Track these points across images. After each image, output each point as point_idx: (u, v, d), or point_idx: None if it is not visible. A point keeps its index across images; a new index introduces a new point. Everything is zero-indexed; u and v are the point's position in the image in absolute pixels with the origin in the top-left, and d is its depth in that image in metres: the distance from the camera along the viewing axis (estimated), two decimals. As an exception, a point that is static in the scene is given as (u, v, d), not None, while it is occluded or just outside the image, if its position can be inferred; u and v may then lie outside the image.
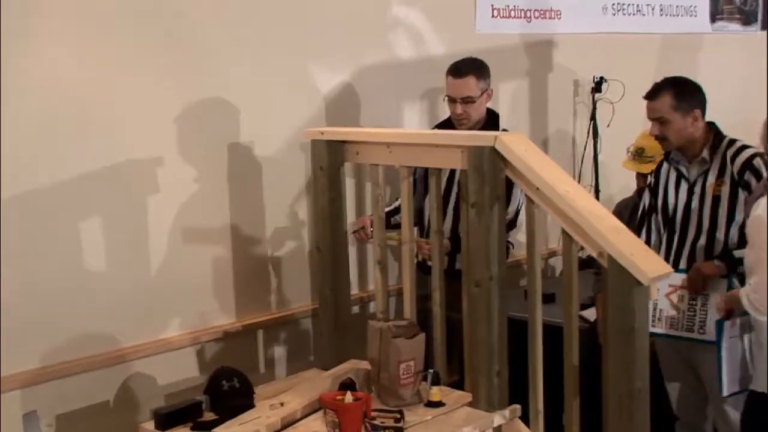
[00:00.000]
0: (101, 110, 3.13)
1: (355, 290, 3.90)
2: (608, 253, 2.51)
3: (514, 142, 2.72)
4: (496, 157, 2.72)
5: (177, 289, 3.37)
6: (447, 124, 3.69)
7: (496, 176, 2.73)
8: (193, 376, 3.43)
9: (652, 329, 3.28)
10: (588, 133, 4.91)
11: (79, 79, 3.07)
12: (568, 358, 2.73)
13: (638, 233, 3.45)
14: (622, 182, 4.93)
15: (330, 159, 3.17)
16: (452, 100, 3.57)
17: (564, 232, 2.67)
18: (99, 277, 3.17)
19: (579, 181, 4.79)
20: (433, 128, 3.83)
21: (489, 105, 3.67)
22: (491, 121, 3.66)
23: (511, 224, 3.60)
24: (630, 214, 3.81)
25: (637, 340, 2.51)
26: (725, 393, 3.05)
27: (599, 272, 3.42)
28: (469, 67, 3.57)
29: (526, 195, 2.75)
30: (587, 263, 3.66)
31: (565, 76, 4.92)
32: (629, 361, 2.51)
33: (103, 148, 3.14)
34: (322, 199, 3.21)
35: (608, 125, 4.85)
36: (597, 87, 4.84)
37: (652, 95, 3.33)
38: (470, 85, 3.54)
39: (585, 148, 4.93)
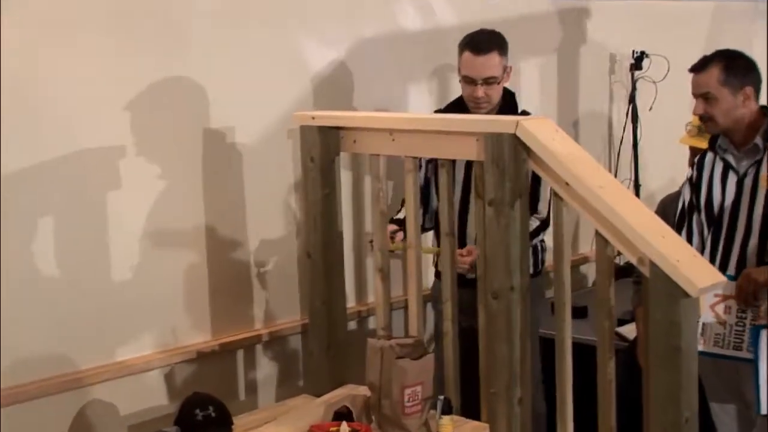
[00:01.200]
0: (50, 95, 3.11)
1: (351, 303, 3.90)
2: (650, 259, 2.50)
3: (539, 128, 2.71)
4: (517, 146, 2.71)
5: (143, 302, 3.37)
6: (457, 107, 3.67)
7: (518, 168, 2.72)
8: (161, 403, 3.43)
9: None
10: (626, 117, 4.91)
11: (25, 57, 3.06)
12: (602, 383, 2.72)
13: (680, 232, 3.45)
14: (666, 175, 4.93)
15: (322, 148, 3.16)
16: (471, 81, 3.54)
17: (598, 234, 2.66)
18: (51, 287, 3.16)
19: (616, 175, 4.78)
20: (438, 111, 3.81)
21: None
22: (508, 102, 3.65)
23: (545, 225, 3.58)
24: (678, 215, 3.80)
25: (683, 361, 2.49)
26: (763, 411, 3.05)
27: (639, 281, 3.41)
28: (492, 42, 3.54)
29: (552, 191, 2.74)
30: (625, 271, 3.65)
31: (599, 51, 4.92)
32: (675, 386, 2.50)
33: (54, 138, 3.13)
34: (313, 195, 3.21)
35: (650, 108, 4.85)
36: (637, 63, 4.84)
37: (698, 67, 3.33)
38: (494, 63, 3.52)
39: (623, 136, 4.93)
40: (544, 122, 2.78)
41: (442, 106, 3.85)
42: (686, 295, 2.46)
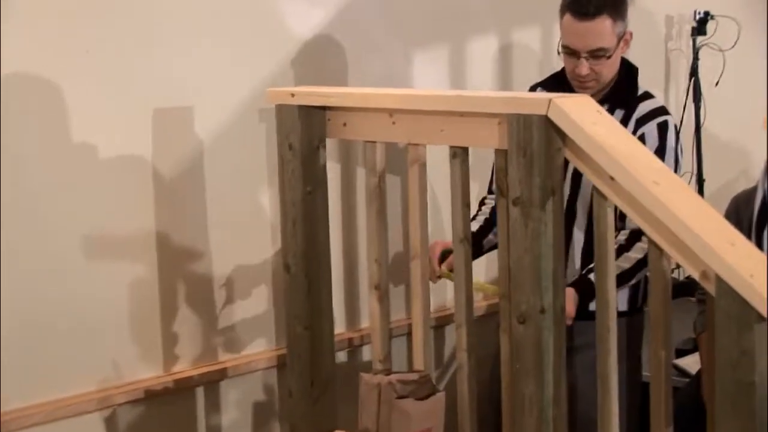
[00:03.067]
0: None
1: (341, 328, 3.91)
2: (716, 274, 2.51)
3: (578, 109, 2.72)
4: (550, 131, 2.72)
5: (77, 328, 3.39)
6: (558, 82, 3.59)
7: (551, 159, 2.74)
8: (101, 455, 3.45)
9: None
10: (687, 94, 4.93)
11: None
12: (657, 428, 2.74)
13: (758, 241, 3.46)
14: (737, 167, 4.95)
15: (305, 134, 3.17)
16: (572, 53, 3.48)
17: (651, 242, 2.68)
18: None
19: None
20: (534, 87, 3.74)
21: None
22: (625, 80, 3.59)
23: (636, 236, 3.55)
24: (755, 215, 3.81)
25: (758, 400, 2.51)
26: None
27: (703, 301, 3.43)
28: (603, 2, 3.47)
29: (594, 188, 2.76)
30: (686, 288, 3.67)
31: (652, 11, 4.93)
32: (747, 428, 2.51)
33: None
34: (292, 192, 3.22)
35: (716, 83, 4.87)
36: (700, 27, 4.86)
37: None
38: (604, 30, 3.45)
39: (682, 118, 4.94)
40: (584, 101, 2.80)
41: (537, 82, 3.76)
42: (761, 318, 2.48)
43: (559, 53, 3.55)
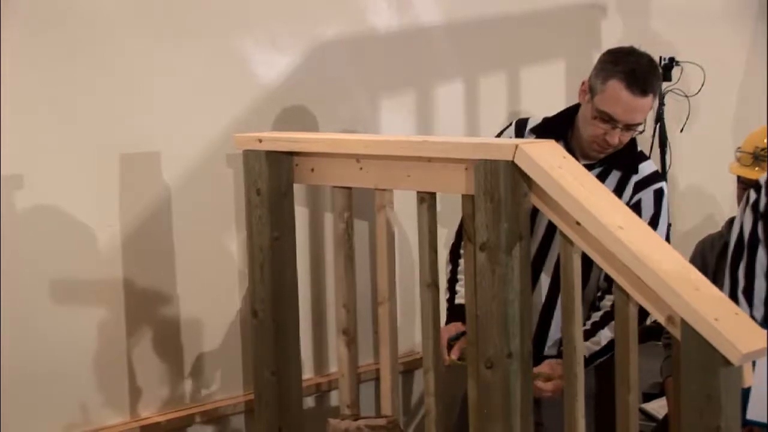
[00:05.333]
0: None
1: (309, 374, 3.89)
2: (681, 318, 2.52)
3: (544, 154, 2.74)
4: (516, 176, 2.73)
5: (44, 373, 3.36)
6: (548, 132, 3.42)
7: (518, 205, 2.75)
8: (66, 504, 3.42)
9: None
10: (652, 139, 4.96)
11: None
12: (624, 474, 2.74)
13: (733, 280, 3.47)
14: (703, 212, 4.98)
15: (272, 178, 3.17)
16: (610, 121, 3.37)
17: (617, 286, 2.69)
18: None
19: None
20: (519, 130, 3.62)
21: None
22: (630, 141, 3.51)
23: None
24: (718, 258, 3.84)
25: (725, 445, 2.52)
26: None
27: (670, 345, 3.44)
28: (655, 79, 3.42)
29: (560, 233, 2.77)
30: (653, 333, 3.68)
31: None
32: (715, 477, 2.52)
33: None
34: (260, 238, 3.21)
35: (682, 129, 4.91)
36: (665, 74, 4.89)
37: None
38: (649, 106, 3.42)
39: (648, 163, 4.97)
40: (550, 146, 2.81)
41: (532, 127, 3.61)
42: (727, 362, 2.48)
43: (588, 98, 3.41)
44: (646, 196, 3.47)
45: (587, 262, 2.80)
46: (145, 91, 3.52)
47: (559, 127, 3.51)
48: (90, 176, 3.44)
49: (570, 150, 3.41)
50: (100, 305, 3.48)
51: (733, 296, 3.44)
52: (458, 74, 4.38)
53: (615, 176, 3.47)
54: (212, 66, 3.68)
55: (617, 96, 3.35)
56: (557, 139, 3.15)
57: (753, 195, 3.47)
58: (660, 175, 3.56)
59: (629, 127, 3.40)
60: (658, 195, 3.50)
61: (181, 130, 3.61)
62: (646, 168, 3.53)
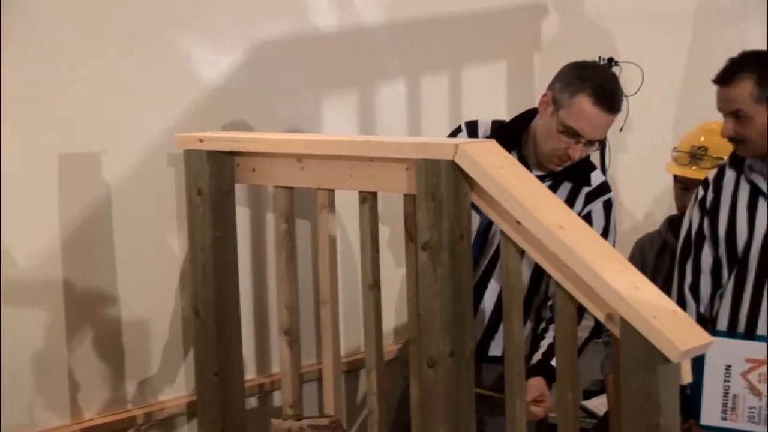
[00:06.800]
0: None
1: (251, 374, 3.88)
2: (620, 316, 2.54)
3: (484, 154, 2.75)
4: (458, 176, 2.74)
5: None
6: (501, 140, 3.15)
7: (459, 204, 2.75)
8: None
9: (723, 424, 3.33)
10: (593, 139, 4.99)
11: None
12: (565, 471, 2.75)
13: (680, 276, 3.49)
14: (642, 211, 5.02)
15: (214, 178, 3.16)
16: (574, 135, 3.36)
17: (557, 285, 2.70)
18: None
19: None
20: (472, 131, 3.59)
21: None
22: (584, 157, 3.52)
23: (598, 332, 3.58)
24: (656, 256, 3.87)
25: (664, 442, 2.54)
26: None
27: (610, 343, 3.46)
28: (621, 96, 3.45)
29: (501, 232, 2.78)
30: (594, 331, 3.70)
31: (558, 58, 4.98)
32: (653, 474, 2.54)
33: None
34: (201, 238, 3.20)
35: (621, 129, 4.93)
36: (605, 73, 4.92)
37: (725, 79, 3.33)
38: (611, 123, 3.44)
39: (589, 162, 5.00)
40: (490, 146, 2.82)
41: (481, 134, 3.56)
42: (666, 360, 2.50)
43: (552, 111, 3.38)
44: (597, 208, 3.49)
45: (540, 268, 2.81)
46: (85, 91, 3.49)
47: (513, 136, 3.48)
48: (30, 177, 3.41)
49: (522, 160, 3.42)
50: (39, 306, 3.45)
51: (680, 292, 3.48)
52: (400, 74, 4.39)
53: (566, 187, 3.48)
54: (153, 66, 3.65)
55: (585, 111, 3.34)
56: (510, 149, 3.15)
57: (701, 192, 3.51)
58: (608, 186, 3.58)
59: (592, 142, 3.41)
60: (608, 207, 3.52)
61: (122, 130, 3.58)
62: (596, 178, 3.54)
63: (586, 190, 3.49)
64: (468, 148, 2.74)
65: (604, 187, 3.55)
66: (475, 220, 3.42)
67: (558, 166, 3.44)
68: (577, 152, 3.39)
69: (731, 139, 3.34)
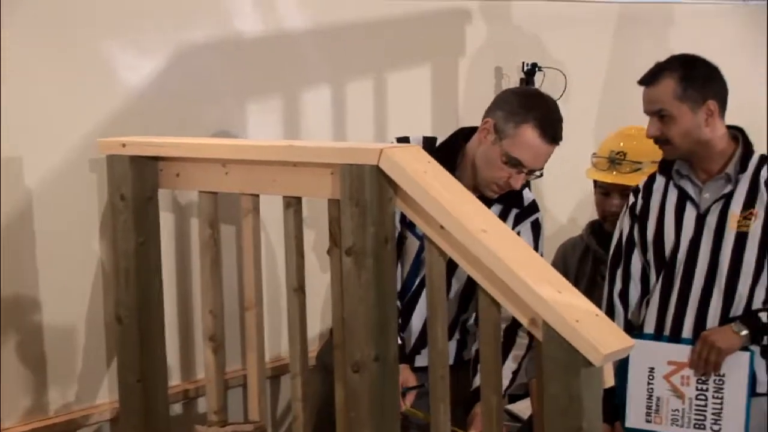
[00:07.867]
0: None
1: (176, 380, 3.85)
2: (543, 320, 2.55)
3: (408, 159, 2.75)
4: (382, 181, 2.74)
5: None
6: (443, 163, 3.08)
7: (383, 209, 2.76)
8: None
9: (647, 426, 3.37)
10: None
11: None
12: (489, 474, 2.76)
13: (610, 282, 3.52)
14: (565, 215, 5.06)
15: (136, 184, 3.14)
16: (517, 165, 3.35)
17: (481, 290, 2.71)
18: None
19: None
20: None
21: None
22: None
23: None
24: (579, 261, 3.90)
25: (582, 444, 2.55)
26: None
27: (533, 347, 3.48)
28: (562, 127, 3.44)
29: (425, 237, 2.78)
30: (529, 347, 3.72)
31: (482, 63, 5.02)
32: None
33: None
34: (124, 243, 3.18)
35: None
36: (528, 79, 4.96)
37: (649, 79, 3.38)
38: (552, 152, 3.43)
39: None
40: (414, 151, 2.82)
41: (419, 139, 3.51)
42: (588, 363, 2.52)
43: (494, 140, 3.35)
44: (524, 229, 3.49)
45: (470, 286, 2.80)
46: (5, 95, 3.44)
47: (447, 158, 3.34)
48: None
49: None
50: (-41, 314, 3.41)
51: (610, 299, 3.51)
52: (325, 79, 4.38)
53: (496, 209, 3.46)
54: (76, 69, 3.61)
55: (529, 143, 3.33)
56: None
57: (631, 199, 3.54)
58: (536, 206, 3.57)
59: (533, 171, 3.40)
60: (536, 228, 3.52)
61: (43, 134, 3.54)
62: (526, 197, 3.54)
63: (515, 211, 3.49)
64: (392, 153, 2.74)
65: (533, 208, 3.54)
66: (415, 244, 3.43)
67: (496, 194, 3.43)
68: (518, 182, 3.38)
69: (656, 140, 3.38)
